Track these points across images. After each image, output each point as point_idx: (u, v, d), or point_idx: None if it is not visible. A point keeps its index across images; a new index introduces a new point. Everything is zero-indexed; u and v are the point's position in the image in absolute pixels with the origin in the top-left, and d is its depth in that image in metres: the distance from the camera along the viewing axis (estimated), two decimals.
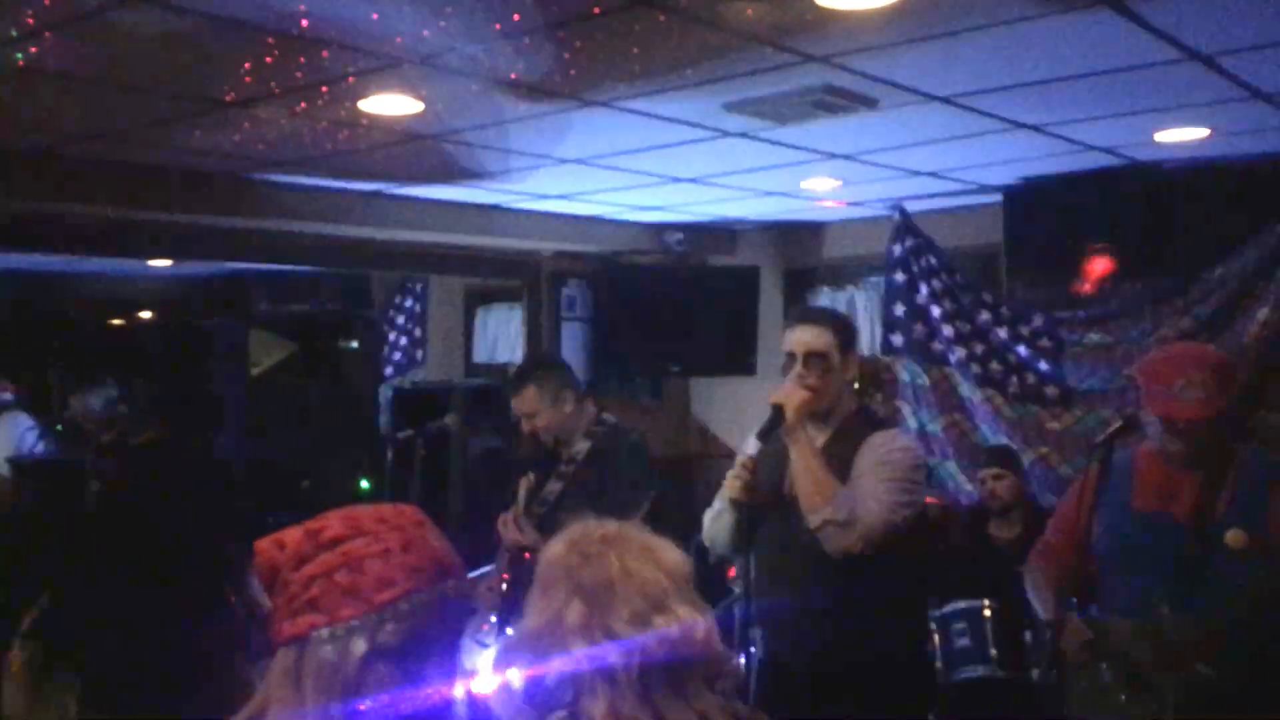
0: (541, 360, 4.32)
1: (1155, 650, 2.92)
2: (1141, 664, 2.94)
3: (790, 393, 3.08)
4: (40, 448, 5.97)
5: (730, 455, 3.33)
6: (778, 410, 3.05)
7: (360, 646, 1.40)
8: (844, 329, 3.25)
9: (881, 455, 3.07)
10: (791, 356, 3.18)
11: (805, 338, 3.16)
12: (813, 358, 3.14)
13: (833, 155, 4.86)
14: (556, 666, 1.57)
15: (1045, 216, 5.59)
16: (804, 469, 3.03)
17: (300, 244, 5.92)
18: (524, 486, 4.14)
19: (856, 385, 5.89)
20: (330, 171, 4.99)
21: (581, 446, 3.99)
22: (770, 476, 3.14)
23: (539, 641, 1.61)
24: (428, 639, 1.44)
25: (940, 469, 5.80)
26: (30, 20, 2.85)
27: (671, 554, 1.69)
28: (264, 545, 1.47)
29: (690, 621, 1.60)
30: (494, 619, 4.30)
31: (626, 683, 1.54)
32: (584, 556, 1.64)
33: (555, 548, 1.70)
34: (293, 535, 1.46)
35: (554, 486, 3.98)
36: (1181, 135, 4.57)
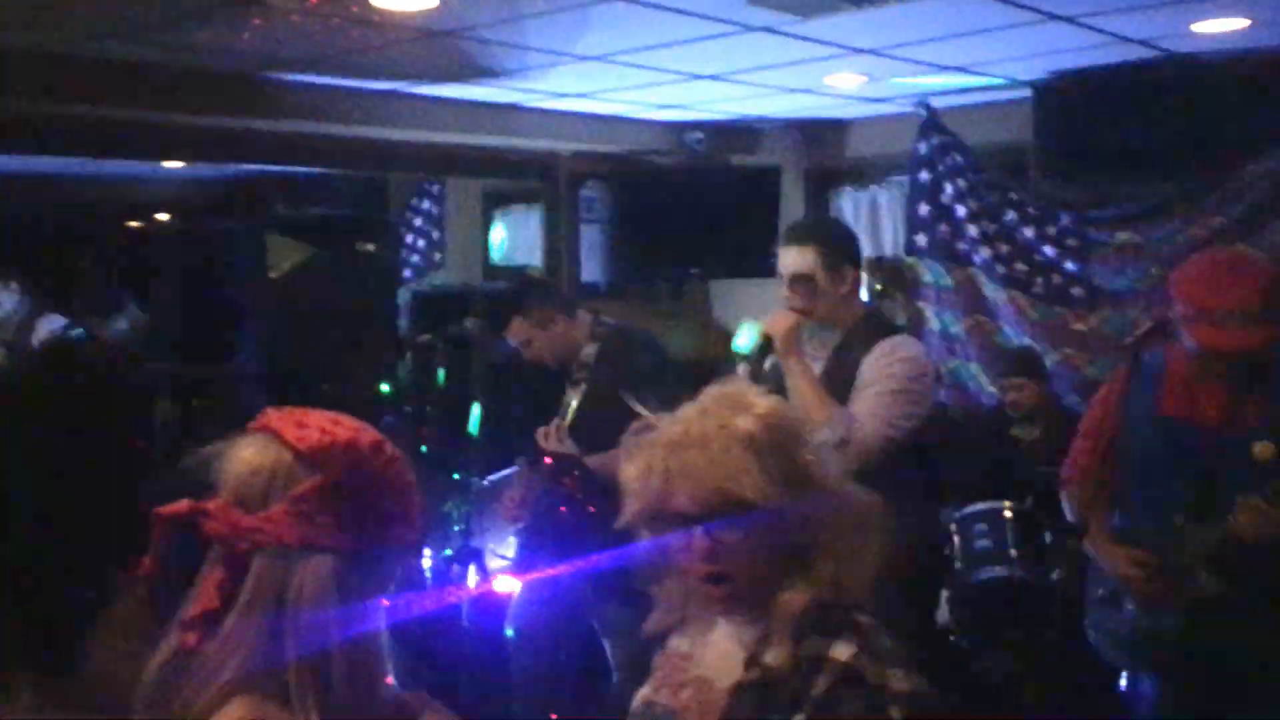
0: (522, 289, 4.29)
1: (1166, 561, 2.85)
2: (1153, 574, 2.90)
3: (776, 319, 3.08)
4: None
5: None
6: (766, 340, 3.06)
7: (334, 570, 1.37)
8: (830, 243, 3.19)
9: (882, 367, 3.05)
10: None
11: (788, 260, 3.14)
12: (798, 279, 3.12)
13: (858, 50, 4.73)
14: None
15: (1076, 112, 5.44)
16: (799, 394, 3.00)
17: (315, 145, 5.86)
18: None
19: (879, 287, 5.90)
20: (344, 71, 4.90)
21: (589, 351, 3.98)
22: None
23: None
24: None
25: (962, 370, 5.76)
26: None
27: None
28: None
29: None
30: (514, 530, 4.32)
31: None
32: None
33: None
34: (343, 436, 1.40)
35: (570, 397, 3.98)
36: (1220, 25, 4.42)
